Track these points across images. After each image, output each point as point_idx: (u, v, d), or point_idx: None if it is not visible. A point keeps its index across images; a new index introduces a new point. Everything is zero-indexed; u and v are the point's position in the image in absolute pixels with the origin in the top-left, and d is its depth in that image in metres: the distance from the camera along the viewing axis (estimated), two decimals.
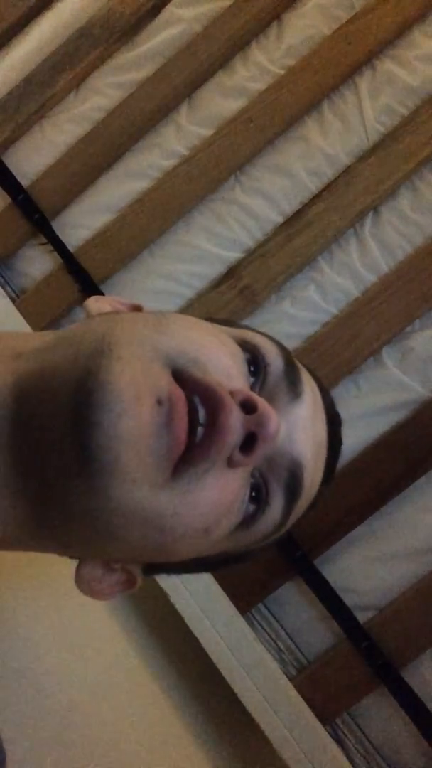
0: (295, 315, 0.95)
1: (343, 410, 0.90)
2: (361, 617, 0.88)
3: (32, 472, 0.39)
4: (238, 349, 0.44)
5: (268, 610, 0.92)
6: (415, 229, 0.91)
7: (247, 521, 0.43)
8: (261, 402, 0.39)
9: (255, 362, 0.44)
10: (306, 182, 0.96)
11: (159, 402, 0.37)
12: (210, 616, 0.87)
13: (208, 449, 0.38)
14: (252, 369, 0.44)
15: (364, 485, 0.87)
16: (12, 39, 1.09)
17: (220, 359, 0.41)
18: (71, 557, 0.47)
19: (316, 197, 0.95)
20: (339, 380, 0.91)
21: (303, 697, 0.86)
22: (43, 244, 1.05)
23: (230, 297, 0.96)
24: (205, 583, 0.88)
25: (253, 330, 0.51)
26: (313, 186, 0.96)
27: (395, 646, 0.86)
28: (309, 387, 0.47)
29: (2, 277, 1.07)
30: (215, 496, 0.39)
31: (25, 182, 1.06)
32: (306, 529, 0.88)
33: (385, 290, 0.91)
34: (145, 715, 0.89)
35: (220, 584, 0.88)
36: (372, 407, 0.91)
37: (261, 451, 0.39)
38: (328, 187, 0.94)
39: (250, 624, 0.89)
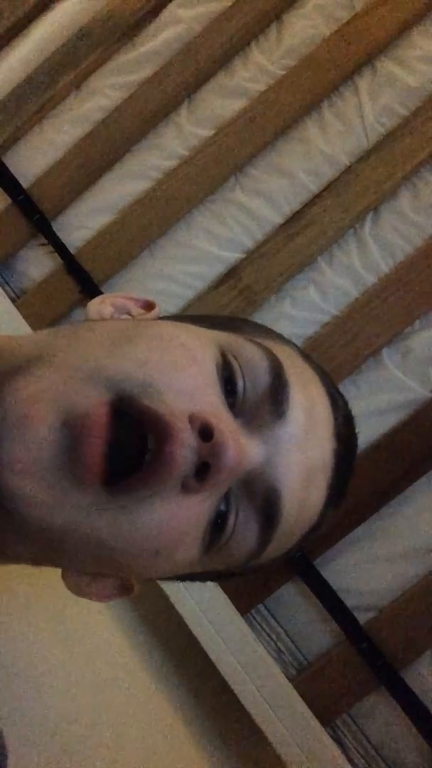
0: (295, 315, 0.95)
1: None
2: (361, 618, 0.88)
3: None
4: (214, 366, 0.41)
5: (268, 611, 0.92)
6: (414, 229, 0.91)
7: (209, 548, 0.41)
8: (218, 429, 0.36)
9: (229, 381, 0.41)
10: (306, 183, 0.96)
11: (65, 424, 0.35)
12: (210, 616, 0.87)
13: (149, 478, 0.36)
14: (228, 387, 0.41)
15: (364, 486, 0.87)
16: (12, 40, 1.09)
17: (183, 380, 0.38)
18: None
19: (316, 198, 0.94)
20: (339, 381, 0.90)
21: (303, 697, 0.86)
22: (43, 244, 1.05)
23: (230, 298, 0.96)
24: (205, 584, 0.88)
25: (253, 331, 0.49)
26: (313, 186, 0.96)
27: (395, 647, 0.86)
28: (303, 404, 0.43)
29: (2, 277, 1.07)
30: (162, 520, 0.37)
31: (25, 183, 1.06)
32: None
33: (385, 291, 0.91)
34: (145, 715, 0.89)
35: (221, 585, 0.88)
36: (372, 408, 0.90)
37: (215, 481, 0.37)
38: (328, 188, 0.94)
39: (250, 625, 0.89)
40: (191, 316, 0.52)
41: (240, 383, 0.41)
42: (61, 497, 0.35)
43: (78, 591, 0.46)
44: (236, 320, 0.52)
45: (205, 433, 0.37)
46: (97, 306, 0.49)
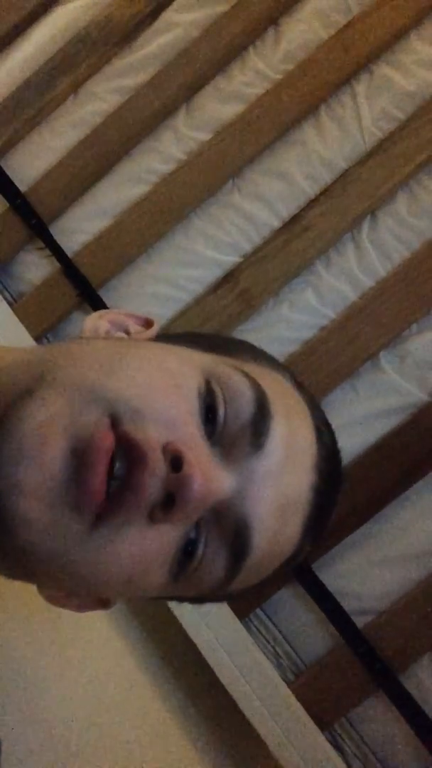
0: (293, 319, 0.95)
1: (341, 415, 0.91)
2: (359, 621, 0.88)
3: None
4: (196, 393, 0.41)
5: (266, 615, 0.92)
6: (412, 233, 0.92)
7: (177, 575, 0.41)
8: (187, 461, 0.36)
9: (210, 409, 0.41)
10: (303, 187, 0.96)
11: (74, 452, 0.35)
12: (208, 621, 0.87)
13: (120, 506, 0.36)
14: (209, 416, 0.41)
15: (362, 489, 0.87)
16: (10, 43, 1.09)
17: (165, 408, 0.39)
18: None
19: (314, 201, 0.95)
20: (336, 384, 0.91)
21: (301, 701, 0.86)
22: (41, 248, 1.05)
23: (228, 301, 0.96)
24: None
25: (247, 356, 0.48)
26: (311, 190, 0.96)
27: (393, 651, 0.86)
28: (283, 436, 0.42)
29: (0, 282, 1.07)
30: (134, 550, 0.38)
31: (23, 187, 1.06)
32: None
33: (383, 294, 0.91)
34: (143, 720, 0.88)
35: None
36: (370, 411, 0.91)
37: (181, 514, 0.37)
38: (326, 192, 0.94)
39: (248, 629, 0.89)
40: (187, 335, 0.52)
41: (221, 412, 0.41)
42: (56, 521, 0.36)
43: (56, 603, 0.47)
44: (232, 342, 0.52)
45: (176, 463, 0.37)
46: (94, 321, 0.49)
